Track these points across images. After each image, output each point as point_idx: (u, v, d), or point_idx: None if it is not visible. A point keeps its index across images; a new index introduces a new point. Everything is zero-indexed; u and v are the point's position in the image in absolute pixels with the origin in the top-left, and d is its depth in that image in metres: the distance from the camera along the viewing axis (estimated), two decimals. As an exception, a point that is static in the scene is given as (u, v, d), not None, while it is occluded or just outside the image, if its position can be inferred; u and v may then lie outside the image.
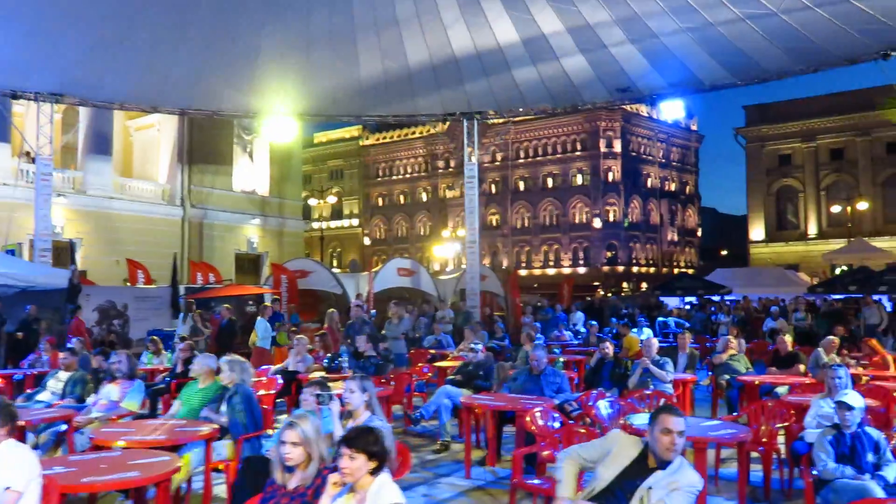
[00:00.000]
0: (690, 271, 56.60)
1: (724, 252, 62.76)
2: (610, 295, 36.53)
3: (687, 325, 17.32)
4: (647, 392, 6.62)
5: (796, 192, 43.04)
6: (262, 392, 7.18)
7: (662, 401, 6.49)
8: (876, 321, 15.22)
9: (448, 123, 64.23)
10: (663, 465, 3.35)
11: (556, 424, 5.38)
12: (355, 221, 70.16)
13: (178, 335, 13.36)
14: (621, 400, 6.24)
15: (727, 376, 8.76)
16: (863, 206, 38.62)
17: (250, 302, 19.60)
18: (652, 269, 58.65)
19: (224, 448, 5.10)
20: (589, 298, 26.08)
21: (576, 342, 14.41)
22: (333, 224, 70.77)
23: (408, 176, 67.87)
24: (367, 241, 68.85)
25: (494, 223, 62.59)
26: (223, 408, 5.27)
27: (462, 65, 16.85)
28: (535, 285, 51.16)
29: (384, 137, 68.34)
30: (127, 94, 17.59)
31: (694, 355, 9.13)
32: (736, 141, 45.10)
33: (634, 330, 15.68)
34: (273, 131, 23.09)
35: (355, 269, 28.99)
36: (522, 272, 59.64)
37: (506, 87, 17.76)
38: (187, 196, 27.34)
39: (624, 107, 56.62)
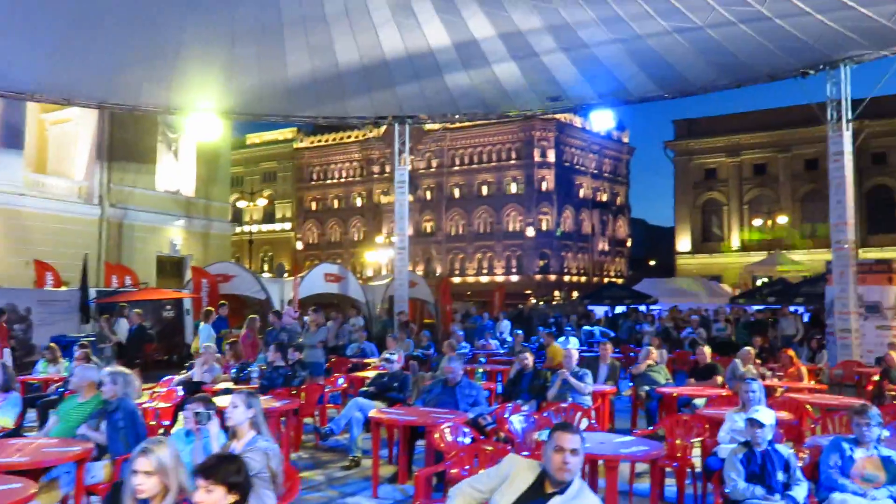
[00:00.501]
0: (620, 281, 57.68)
1: (653, 262, 64.25)
2: (541, 303, 36.74)
3: (612, 334, 17.41)
4: (564, 405, 6.43)
5: (721, 205, 44.32)
6: (159, 405, 6.68)
7: (579, 414, 6.32)
8: (792, 332, 15.59)
9: (384, 128, 64.02)
10: (561, 489, 3.11)
11: (467, 440, 5.12)
12: (288, 225, 68.86)
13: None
14: (536, 414, 6.03)
15: (647, 388, 8.69)
16: (783, 220, 40.04)
17: (168, 307, 18.78)
18: (583, 279, 59.50)
19: (100, 469, 4.63)
20: (520, 307, 26.06)
21: (502, 351, 14.25)
22: (265, 228, 69.31)
23: (342, 180, 67.06)
24: (299, 245, 67.65)
25: (429, 230, 62.45)
26: (103, 425, 4.80)
27: (393, 67, 16.55)
28: (469, 293, 51.20)
29: (319, 140, 67.38)
30: (38, 84, 16.59)
31: (615, 366, 9.04)
32: (665, 154, 46.20)
33: (561, 339, 15.67)
34: (198, 129, 22.29)
35: (282, 273, 28.25)
36: (456, 279, 59.63)
37: (437, 91, 17.54)
38: (106, 195, 26.10)
39: (558, 117, 57.40)
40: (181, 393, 7.40)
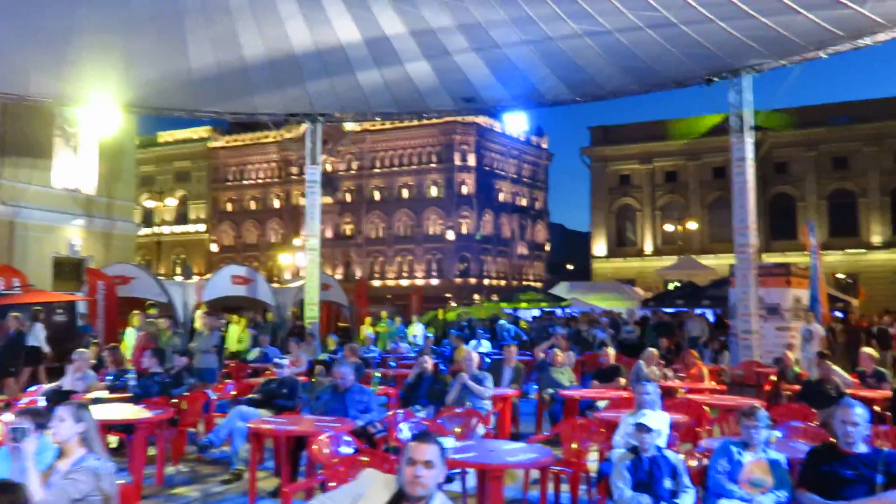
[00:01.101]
0: (538, 284, 58.42)
1: (571, 266, 65.41)
2: (459, 306, 36.65)
3: (525, 337, 17.37)
4: (459, 410, 6.15)
5: (635, 210, 45.40)
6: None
7: (475, 420, 6.05)
8: (697, 333, 15.90)
9: (303, 128, 62.84)
10: (418, 505, 2.80)
11: (349, 450, 4.76)
12: (202, 227, 66.59)
13: None
14: (429, 420, 5.72)
15: (551, 390, 8.54)
16: (692, 225, 41.33)
17: (59, 311, 17.58)
18: (503, 282, 59.95)
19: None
20: (436, 310, 25.84)
21: (412, 355, 13.93)
22: (178, 229, 66.88)
23: (260, 181, 65.43)
24: (214, 247, 65.57)
25: (348, 232, 61.66)
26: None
27: (302, 62, 16.01)
28: (389, 296, 50.75)
29: (235, 140, 65.54)
30: None
31: (520, 368, 8.85)
32: (582, 160, 47.02)
33: (474, 342, 15.48)
34: (98, 123, 21.08)
35: (189, 275, 27.12)
36: (376, 283, 59.06)
37: (349, 88, 17.10)
38: (-5, 191, 24.36)
39: (478, 121, 57.77)
40: (44, 404, 6.74)
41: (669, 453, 3.98)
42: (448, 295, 53.84)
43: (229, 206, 66.38)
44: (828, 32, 13.20)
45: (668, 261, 38.99)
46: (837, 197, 38.77)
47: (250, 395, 7.05)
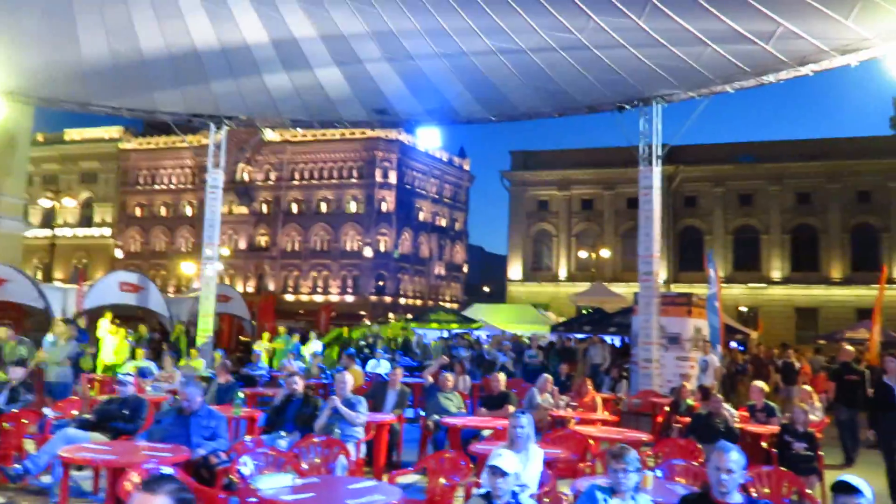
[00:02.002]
0: (455, 305, 58.19)
1: (487, 289, 65.57)
2: (372, 324, 35.84)
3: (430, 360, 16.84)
4: (318, 440, 5.53)
5: (551, 236, 45.80)
6: None
7: (336, 448, 5.44)
8: (600, 360, 15.75)
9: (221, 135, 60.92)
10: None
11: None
12: (107, 231, 63.41)
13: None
14: (276, 450, 5.07)
15: (436, 416, 8.02)
16: (605, 253, 41.97)
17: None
18: (419, 302, 59.45)
19: None
20: (339, 327, 25.01)
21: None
22: (81, 232, 63.48)
23: (172, 187, 62.94)
24: (119, 253, 62.46)
25: (263, 244, 59.93)
26: None
27: (205, 60, 15.16)
28: (301, 311, 49.39)
29: (148, 143, 62.94)
30: None
31: (405, 392, 8.31)
32: (502, 184, 47.21)
33: (372, 362, 14.85)
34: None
35: (76, 280, 25.34)
36: (289, 297, 57.51)
37: (256, 91, 16.34)
38: None
39: (401, 139, 57.43)
40: None
41: (527, 500, 3.51)
42: (363, 312, 52.93)
43: (138, 211, 63.55)
44: (734, 67, 13.39)
45: (581, 287, 39.37)
46: (742, 232, 40.17)
47: (82, 416, 6.21)
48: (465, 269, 66.50)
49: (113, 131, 63.35)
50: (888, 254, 35.89)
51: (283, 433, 6.38)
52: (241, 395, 7.34)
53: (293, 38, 14.34)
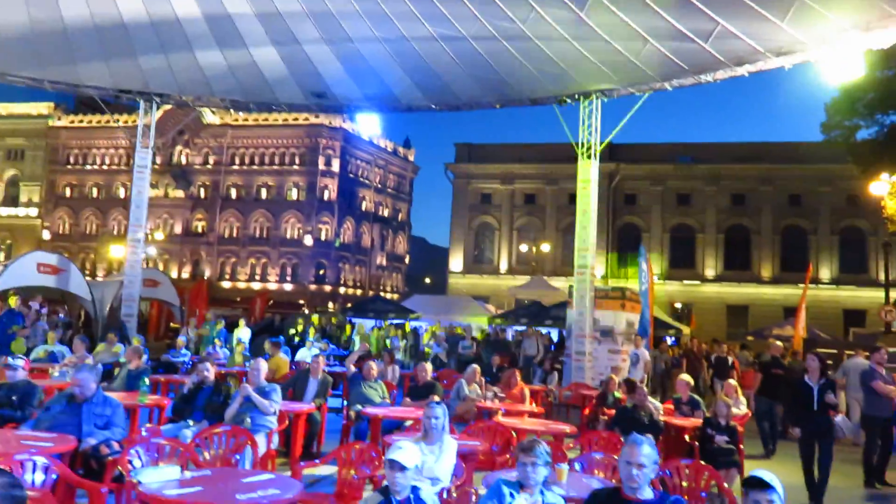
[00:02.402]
0: (396, 296, 57.86)
1: (429, 280, 65.48)
2: (312, 312, 35.26)
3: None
4: (222, 430, 5.23)
5: (493, 229, 45.91)
6: None
7: (242, 439, 5.15)
8: (533, 352, 15.75)
9: (158, 116, 58.98)
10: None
11: (39, 478, 3.73)
12: (34, 211, 60.79)
13: None
14: (175, 440, 4.76)
15: (358, 406, 7.78)
16: (546, 247, 42.30)
17: None
18: (359, 291, 58.87)
19: None
20: (272, 315, 24.48)
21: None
22: (5, 211, 60.75)
23: (105, 168, 60.69)
24: (46, 234, 59.96)
25: (200, 229, 58.36)
26: None
27: (133, 33, 14.48)
28: (238, 299, 48.32)
29: (80, 121, 60.53)
30: None
31: (327, 381, 8.04)
32: (445, 175, 47.05)
33: (303, 350, 14.49)
34: None
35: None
36: (226, 284, 56.22)
37: (188, 68, 15.72)
38: None
39: (345, 126, 56.65)
40: None
41: (428, 496, 3.32)
42: (302, 301, 52.13)
43: (68, 191, 61.11)
44: (673, 64, 13.48)
45: (522, 280, 39.62)
46: (678, 231, 41.01)
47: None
48: (407, 260, 66.23)
49: (42, 107, 60.72)
50: (815, 255, 37.16)
51: (190, 422, 6.04)
52: (146, 381, 6.95)
53: (227, 14, 13.82)
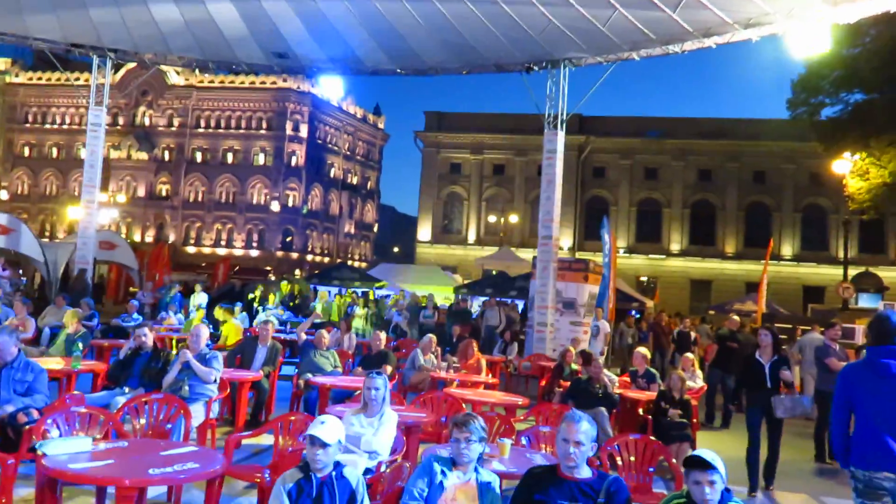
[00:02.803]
0: (363, 265, 57.50)
1: (397, 249, 65.21)
2: (279, 279, 34.76)
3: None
4: (156, 397, 4.98)
5: (462, 199, 45.62)
6: None
7: (178, 407, 4.90)
8: (495, 323, 15.64)
9: (121, 76, 57.20)
10: None
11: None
12: (-11, 171, 59.01)
13: None
14: (102, 410, 4.50)
15: (308, 375, 7.56)
16: (514, 219, 42.20)
17: None
18: (326, 259, 58.38)
19: None
20: (232, 282, 24.04)
21: (182, 327, 12.42)
22: (-40, 171, 58.88)
23: (65, 127, 59.00)
24: (4, 195, 58.27)
25: (164, 193, 57.20)
26: None
27: (84, -17, 13.82)
28: (203, 264, 47.58)
29: (39, 78, 58.56)
30: None
31: (276, 348, 7.80)
32: (415, 144, 46.49)
33: (261, 315, 14.20)
34: None
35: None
36: (191, 249, 55.33)
37: (142, 23, 15.09)
38: None
39: (314, 91, 55.64)
40: None
41: (351, 473, 3.12)
42: (268, 268, 51.50)
43: (26, 151, 59.41)
44: (641, 34, 13.27)
45: (490, 251, 39.54)
46: (645, 205, 41.14)
47: None
48: (376, 228, 65.76)
49: (-1, 63, 58.63)
50: (778, 232, 37.61)
51: (126, 389, 5.78)
52: (79, 346, 6.64)
53: (182, -34, 13.24)
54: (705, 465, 2.89)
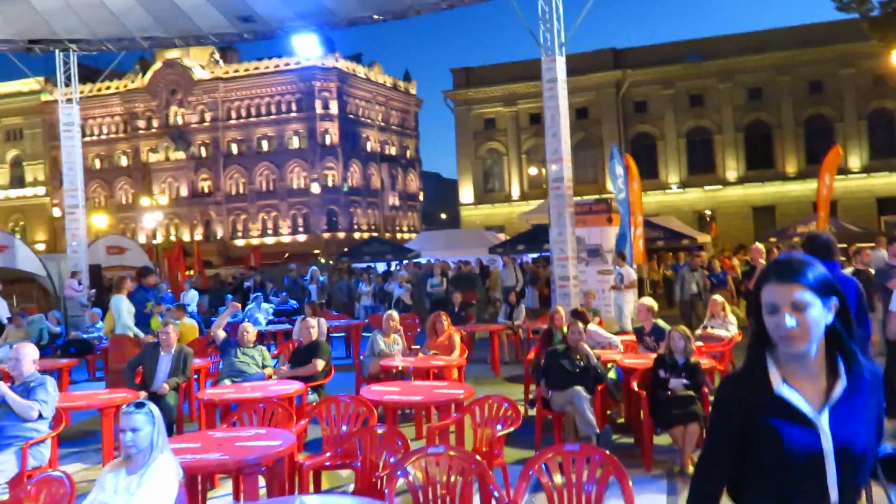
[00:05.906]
0: (413, 236, 56.29)
1: (445, 216, 63.69)
2: (294, 266, 33.82)
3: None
4: None
5: (501, 154, 43.68)
6: None
7: None
8: (511, 283, 14.00)
9: (149, 78, 57.12)
10: None
11: None
12: (41, 190, 60.18)
13: None
14: None
15: (227, 381, 6.17)
16: (556, 168, 40.01)
17: None
18: (374, 234, 57.47)
19: None
20: (242, 273, 23.01)
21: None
22: (14, 193, 60.27)
23: (104, 137, 59.60)
24: (57, 212, 59.40)
25: (206, 190, 57.18)
26: None
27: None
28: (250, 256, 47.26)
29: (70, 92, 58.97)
30: None
31: (185, 354, 6.34)
32: (445, 104, 44.64)
33: (251, 306, 13.00)
34: None
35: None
36: (240, 242, 55.20)
37: (90, 6, 13.85)
38: None
39: (339, 66, 54.25)
40: None
41: None
42: (317, 251, 50.87)
43: (70, 166, 60.17)
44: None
45: (535, 205, 37.61)
46: (695, 134, 38.30)
47: None
48: (422, 197, 64.32)
49: (32, 83, 59.16)
50: (842, 143, 34.29)
51: None
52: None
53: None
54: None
